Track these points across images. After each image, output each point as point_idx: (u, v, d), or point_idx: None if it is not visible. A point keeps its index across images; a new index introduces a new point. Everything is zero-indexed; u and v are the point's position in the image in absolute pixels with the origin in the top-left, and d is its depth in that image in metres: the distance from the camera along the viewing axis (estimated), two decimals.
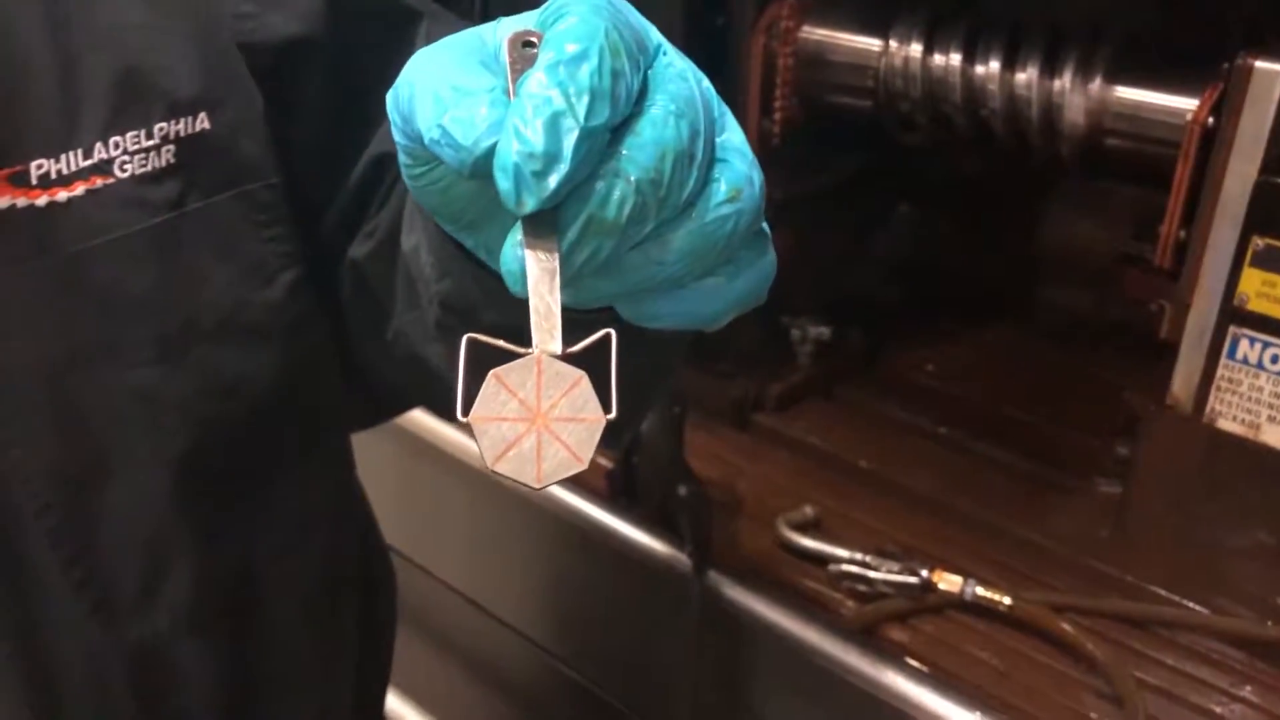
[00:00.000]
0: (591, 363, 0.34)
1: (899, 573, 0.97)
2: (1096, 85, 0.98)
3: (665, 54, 0.37)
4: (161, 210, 0.57)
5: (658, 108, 0.35)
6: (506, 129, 0.33)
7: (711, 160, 0.36)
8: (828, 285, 1.27)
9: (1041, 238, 1.33)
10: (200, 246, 0.58)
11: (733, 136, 0.37)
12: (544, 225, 0.34)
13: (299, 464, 0.67)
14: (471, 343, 0.34)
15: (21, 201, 0.52)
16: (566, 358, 0.34)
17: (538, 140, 0.32)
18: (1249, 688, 0.90)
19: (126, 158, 0.55)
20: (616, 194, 0.33)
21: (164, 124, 0.56)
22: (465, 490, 1.17)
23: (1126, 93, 0.98)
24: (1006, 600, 0.95)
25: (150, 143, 0.56)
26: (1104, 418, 1.11)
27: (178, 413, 0.58)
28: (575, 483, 1.06)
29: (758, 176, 0.37)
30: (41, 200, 0.53)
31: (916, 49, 1.08)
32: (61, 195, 0.53)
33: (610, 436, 0.34)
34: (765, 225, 0.39)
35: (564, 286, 0.34)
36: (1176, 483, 0.98)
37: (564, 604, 1.12)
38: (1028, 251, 1.35)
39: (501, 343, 0.34)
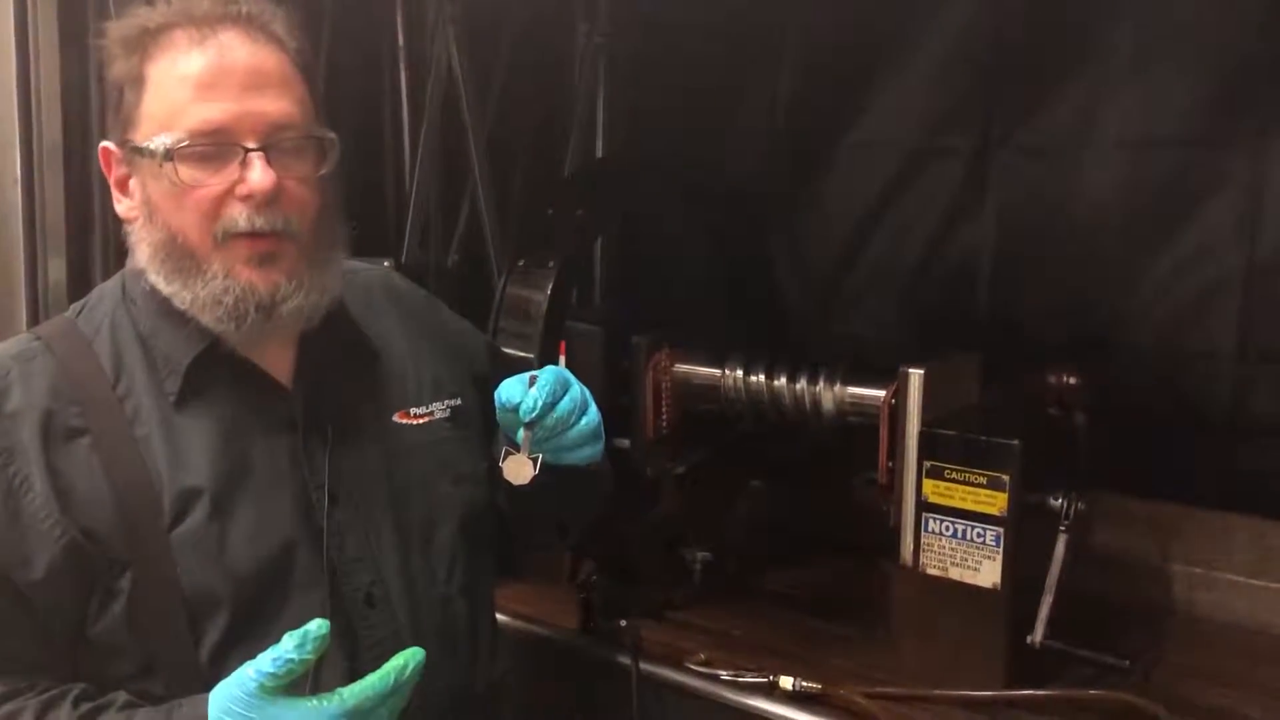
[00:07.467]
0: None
1: (754, 676, 1.60)
2: (837, 387, 1.75)
3: (575, 385, 1.23)
4: (448, 430, 1.33)
5: (568, 397, 1.21)
6: (527, 397, 1.18)
7: (586, 408, 1.23)
8: (708, 527, 1.97)
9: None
10: (459, 446, 1.34)
11: (591, 404, 1.25)
12: (532, 425, 1.18)
13: (488, 549, 1.38)
14: (506, 452, 1.20)
15: (407, 422, 1.30)
16: (530, 459, 1.18)
17: (534, 402, 1.18)
18: None
19: (437, 409, 1.31)
20: (553, 417, 1.20)
21: (447, 400, 1.34)
22: None
23: (853, 390, 1.74)
24: (818, 686, 1.58)
25: (442, 406, 1.32)
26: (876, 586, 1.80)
27: (459, 507, 1.31)
28: (562, 626, 1.71)
29: (598, 415, 1.25)
30: (412, 422, 1.29)
31: (740, 374, 1.84)
32: (420, 420, 1.31)
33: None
34: (602, 430, 1.22)
35: (535, 444, 1.16)
36: (914, 610, 1.65)
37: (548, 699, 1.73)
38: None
39: (516, 451, 1.19)
